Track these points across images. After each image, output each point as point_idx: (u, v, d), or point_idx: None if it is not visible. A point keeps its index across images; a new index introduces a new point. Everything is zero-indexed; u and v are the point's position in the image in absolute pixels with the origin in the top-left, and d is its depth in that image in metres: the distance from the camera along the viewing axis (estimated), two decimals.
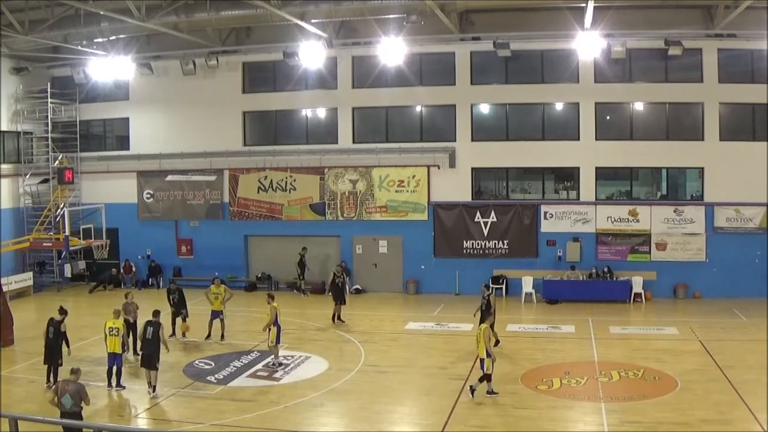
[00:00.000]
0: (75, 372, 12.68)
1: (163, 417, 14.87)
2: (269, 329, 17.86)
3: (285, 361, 18.15)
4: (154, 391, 15.77)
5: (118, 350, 16.17)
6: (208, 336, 20.53)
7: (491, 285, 24.80)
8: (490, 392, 15.43)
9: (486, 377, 15.39)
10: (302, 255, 27.51)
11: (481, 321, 19.14)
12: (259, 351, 19.16)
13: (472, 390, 15.47)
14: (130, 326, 18.56)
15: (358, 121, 28.15)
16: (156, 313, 16.54)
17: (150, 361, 15.81)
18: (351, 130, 28.01)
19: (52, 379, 16.15)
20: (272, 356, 18.05)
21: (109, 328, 16.29)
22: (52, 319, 16.67)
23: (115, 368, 16.14)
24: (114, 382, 16.12)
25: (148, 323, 16.12)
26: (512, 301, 26.05)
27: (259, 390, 16.28)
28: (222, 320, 20.51)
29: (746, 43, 24.41)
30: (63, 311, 16.88)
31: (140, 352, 16.21)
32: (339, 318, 22.68)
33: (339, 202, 28.18)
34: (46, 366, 16.46)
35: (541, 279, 26.14)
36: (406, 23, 23.36)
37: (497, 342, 19.34)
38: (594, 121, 26.28)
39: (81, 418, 12.32)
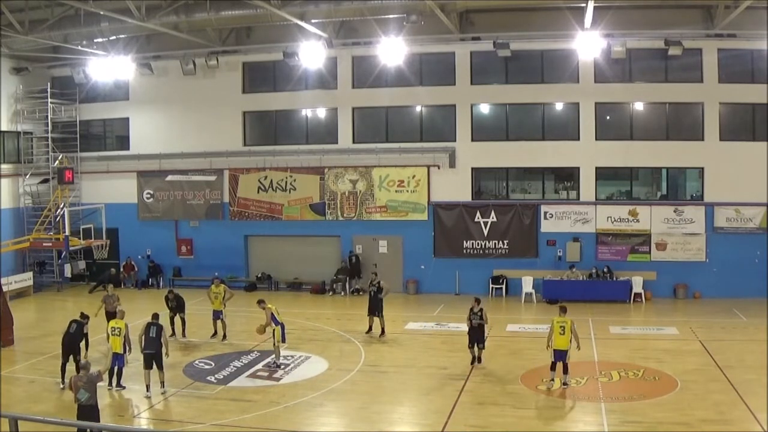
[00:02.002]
0: (84, 367, 12.83)
1: (163, 417, 14.87)
2: (273, 330, 17.87)
3: (285, 362, 18.15)
4: (162, 386, 15.90)
5: (120, 350, 16.16)
6: (214, 334, 20.75)
7: (493, 284, 24.81)
8: (566, 383, 15.91)
9: (566, 368, 15.83)
10: (356, 255, 27.61)
11: (478, 342, 17.86)
12: (259, 351, 19.16)
13: (565, 384, 15.88)
14: (110, 317, 18.35)
15: (358, 121, 28.14)
16: (156, 316, 16.63)
17: (153, 360, 15.82)
18: (351, 130, 28.01)
19: (66, 379, 16.04)
20: (273, 356, 18.06)
21: (111, 327, 16.36)
22: (75, 320, 17.09)
23: (116, 368, 16.13)
24: (114, 382, 16.12)
25: (151, 324, 16.17)
26: (512, 301, 26.05)
27: (259, 390, 16.28)
28: (223, 320, 20.66)
29: (746, 43, 24.41)
30: (85, 316, 17.52)
31: (143, 352, 16.10)
32: (370, 329, 21.16)
33: (339, 202, 28.17)
34: (61, 364, 16.44)
35: (541, 279, 26.15)
36: (406, 23, 23.36)
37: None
38: (594, 121, 26.28)
39: (98, 411, 12.57)
